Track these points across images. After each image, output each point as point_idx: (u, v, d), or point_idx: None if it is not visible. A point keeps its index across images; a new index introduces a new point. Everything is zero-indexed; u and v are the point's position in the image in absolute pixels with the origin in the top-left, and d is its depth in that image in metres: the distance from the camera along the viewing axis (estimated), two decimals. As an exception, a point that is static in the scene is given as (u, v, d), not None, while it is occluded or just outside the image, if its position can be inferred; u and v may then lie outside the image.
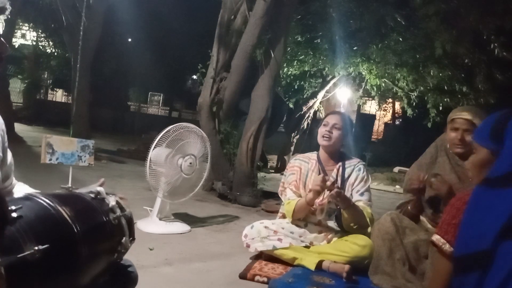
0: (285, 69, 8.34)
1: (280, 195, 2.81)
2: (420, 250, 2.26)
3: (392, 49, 7.28)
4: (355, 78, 9.43)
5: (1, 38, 1.06)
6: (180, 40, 12.84)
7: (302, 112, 9.48)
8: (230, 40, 5.07)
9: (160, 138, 3.00)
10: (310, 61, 8.22)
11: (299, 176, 2.69)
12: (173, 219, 3.22)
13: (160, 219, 3.13)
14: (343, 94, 10.49)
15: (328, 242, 2.60)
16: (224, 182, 4.84)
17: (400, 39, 7.11)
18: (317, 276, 2.32)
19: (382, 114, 17.15)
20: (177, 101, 19.82)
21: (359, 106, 14.02)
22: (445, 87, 7.47)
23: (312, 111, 9.56)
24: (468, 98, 7.27)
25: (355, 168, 2.66)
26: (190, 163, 3.08)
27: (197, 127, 3.23)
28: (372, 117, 17.07)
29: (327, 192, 2.46)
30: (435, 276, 1.35)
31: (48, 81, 17.27)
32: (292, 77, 8.89)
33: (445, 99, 7.59)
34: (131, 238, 1.15)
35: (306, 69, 8.52)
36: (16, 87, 15.69)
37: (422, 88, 7.84)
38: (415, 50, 7.19)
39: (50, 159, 3.18)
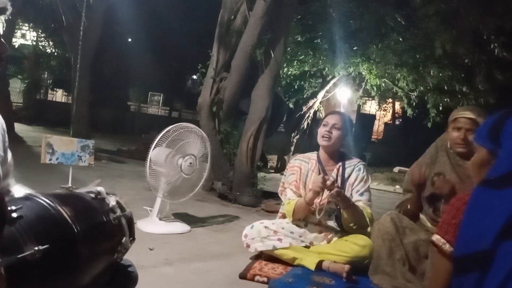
0: (285, 69, 8.34)
1: (280, 195, 2.81)
2: (420, 250, 2.25)
3: (392, 49, 7.29)
4: (355, 78, 9.43)
5: (1, 39, 1.06)
6: (180, 40, 12.84)
7: (302, 112, 9.48)
8: (230, 40, 5.07)
9: (160, 138, 2.99)
10: (310, 61, 8.22)
11: (299, 176, 2.69)
12: (173, 219, 3.22)
13: (160, 219, 3.13)
14: (343, 94, 10.49)
15: (328, 242, 2.60)
16: (224, 182, 4.84)
17: (400, 39, 7.12)
18: (317, 276, 2.32)
19: (382, 114, 17.15)
20: (177, 101, 19.82)
21: (359, 106, 14.04)
22: (445, 87, 7.47)
23: (312, 111, 9.56)
24: (468, 98, 7.27)
25: (355, 168, 2.66)
26: (190, 163, 3.08)
27: (197, 127, 3.23)
28: (372, 117, 17.07)
29: (327, 192, 2.46)
30: (435, 276, 1.35)
31: (48, 81, 17.27)
32: (292, 77, 8.89)
33: (445, 99, 7.59)
34: (131, 238, 1.16)
35: (306, 69, 8.52)
36: (16, 87, 15.69)
37: (422, 88, 7.84)
38: (415, 50, 7.20)
39: (50, 159, 3.18)
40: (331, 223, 2.62)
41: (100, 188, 1.13)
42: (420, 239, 2.26)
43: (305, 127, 9.53)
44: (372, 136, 17.24)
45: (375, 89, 8.69)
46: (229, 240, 3.12)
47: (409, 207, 2.40)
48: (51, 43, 14.58)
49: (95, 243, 1.00)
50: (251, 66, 5.14)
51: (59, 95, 19.67)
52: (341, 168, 2.66)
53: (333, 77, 8.97)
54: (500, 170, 1.08)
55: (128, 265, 1.24)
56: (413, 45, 7.14)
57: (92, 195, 1.11)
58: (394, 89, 8.77)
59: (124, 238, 1.12)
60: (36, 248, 0.80)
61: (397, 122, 17.26)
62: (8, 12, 1.06)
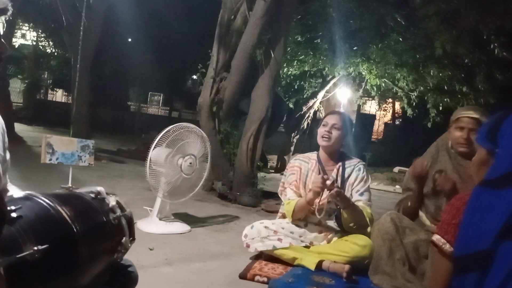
0: (285, 69, 8.34)
1: (280, 195, 2.81)
2: (420, 250, 2.25)
3: (392, 49, 7.28)
4: (355, 78, 9.43)
5: (1, 39, 1.06)
6: (180, 40, 12.84)
7: (302, 112, 9.47)
8: (230, 40, 5.07)
9: (160, 138, 2.99)
10: (310, 61, 8.22)
11: (299, 176, 2.69)
12: (173, 219, 3.22)
13: (160, 219, 3.13)
14: (343, 94, 10.49)
15: (328, 242, 2.60)
16: (224, 182, 4.84)
17: (400, 39, 7.11)
18: (317, 276, 2.32)
19: (382, 114, 17.15)
20: (177, 101, 19.82)
21: (359, 106, 14.03)
22: (445, 87, 7.46)
23: (312, 111, 9.56)
24: (468, 98, 7.27)
25: (355, 168, 2.66)
26: (190, 163, 3.08)
27: (197, 127, 3.23)
28: (372, 117, 17.06)
29: (327, 192, 2.46)
30: (435, 276, 1.35)
31: (48, 81, 17.27)
32: (292, 77, 8.89)
33: (445, 99, 7.59)
34: (131, 238, 1.16)
35: (306, 69, 8.52)
36: (16, 87, 15.69)
37: (422, 88, 7.84)
38: (415, 50, 7.19)
39: (50, 159, 3.18)
40: (331, 223, 2.62)
41: (100, 188, 1.13)
42: (420, 239, 2.26)
43: (305, 127, 9.52)
44: (372, 136, 17.23)
45: (375, 89, 8.68)
46: (229, 240, 3.12)
47: (409, 204, 2.40)
48: (51, 43, 14.59)
49: (95, 243, 1.00)
50: (251, 66, 5.14)
51: (59, 95, 19.67)
52: (341, 168, 2.66)
53: (333, 77, 8.97)
54: (500, 170, 1.08)
55: (128, 265, 1.24)
56: (413, 45, 7.14)
57: (92, 195, 1.11)
58: (394, 89, 8.77)
59: (124, 238, 1.12)
60: (36, 248, 0.80)
61: (397, 122, 17.25)
62: (9, 13, 1.06)
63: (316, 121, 9.44)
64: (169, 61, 14.05)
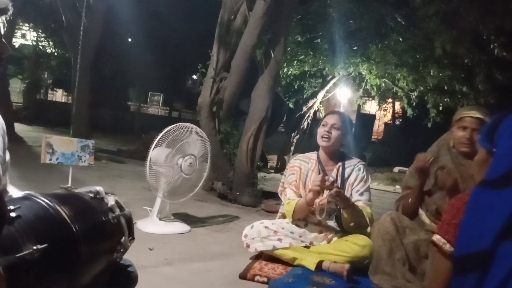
0: (285, 69, 8.34)
1: (280, 195, 2.81)
2: (420, 250, 2.25)
3: (392, 49, 7.29)
4: (355, 78, 9.43)
5: (2, 39, 1.06)
6: (180, 40, 12.84)
7: (302, 112, 9.48)
8: (230, 40, 5.07)
9: (160, 138, 2.99)
10: (310, 61, 8.22)
11: (299, 176, 2.69)
12: (173, 219, 3.22)
13: (160, 219, 3.13)
14: (343, 94, 10.49)
15: (328, 242, 2.60)
16: (224, 182, 4.84)
17: (400, 39, 7.12)
18: (317, 276, 2.32)
19: (382, 114, 17.15)
20: (177, 101, 19.83)
21: (359, 106, 14.03)
22: (445, 87, 7.47)
23: (312, 111, 9.56)
24: (468, 98, 7.27)
25: (355, 168, 2.66)
26: (190, 163, 3.08)
27: (197, 127, 3.23)
28: (372, 117, 17.06)
29: (327, 192, 2.46)
30: (435, 276, 1.35)
31: (48, 81, 17.29)
32: (292, 77, 8.89)
33: (445, 99, 7.59)
34: (130, 238, 1.15)
35: (306, 69, 8.52)
36: (16, 87, 15.72)
37: (422, 88, 7.84)
38: (415, 50, 7.20)
39: (50, 159, 3.18)
40: (331, 223, 2.62)
41: (98, 188, 1.13)
42: (420, 239, 2.25)
43: (305, 127, 9.53)
44: (372, 136, 17.23)
45: (375, 89, 8.69)
46: (229, 240, 3.12)
47: (409, 200, 2.39)
48: (51, 43, 14.59)
49: (94, 242, 1.00)
50: (251, 66, 5.14)
51: (59, 95, 19.69)
52: (341, 168, 2.66)
53: (333, 77, 8.97)
54: (498, 170, 1.08)
55: (128, 265, 1.24)
56: (413, 45, 7.14)
57: (91, 195, 1.11)
58: (394, 89, 8.78)
59: (124, 237, 1.11)
60: (35, 248, 0.80)
61: (397, 122, 17.25)
62: (9, 13, 1.06)
63: (316, 121, 9.44)
64: (169, 61, 14.05)
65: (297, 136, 9.55)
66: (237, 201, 4.64)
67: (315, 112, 10.01)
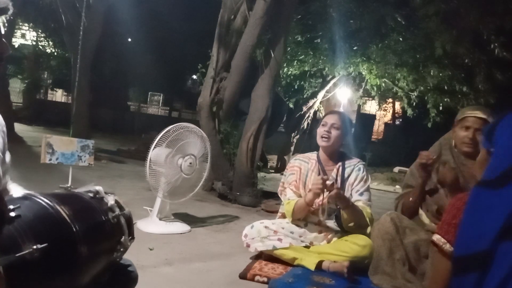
0: (285, 69, 8.34)
1: (280, 195, 2.81)
2: (420, 250, 2.25)
3: (392, 49, 7.29)
4: (355, 78, 9.43)
5: (3, 39, 1.06)
6: (180, 40, 12.84)
7: (302, 112, 9.48)
8: (230, 40, 5.07)
9: (160, 138, 2.99)
10: (310, 61, 8.22)
11: (299, 176, 2.69)
12: (173, 219, 3.22)
13: (160, 219, 3.13)
14: (343, 94, 10.49)
15: (328, 242, 2.60)
16: (224, 182, 4.84)
17: (400, 39, 7.11)
18: (317, 276, 2.32)
19: (382, 114, 17.16)
20: (177, 101, 19.83)
21: (359, 106, 14.02)
22: (445, 87, 7.47)
23: (312, 111, 9.56)
24: (468, 98, 7.27)
25: (355, 168, 2.66)
26: (190, 163, 3.08)
27: (197, 127, 3.23)
28: (372, 117, 17.07)
29: (326, 192, 2.45)
30: (435, 276, 1.35)
31: (48, 81, 17.28)
32: (292, 77, 8.89)
33: (445, 99, 7.59)
34: (130, 237, 1.15)
35: (306, 69, 8.52)
36: (16, 87, 15.71)
37: (422, 88, 7.84)
38: (415, 50, 7.20)
39: (50, 159, 3.18)
40: (331, 223, 2.62)
41: (98, 188, 1.13)
42: (420, 239, 2.25)
43: (305, 127, 9.53)
44: (372, 136, 17.24)
45: (375, 89, 8.69)
46: (229, 240, 3.12)
47: (411, 199, 2.39)
48: (51, 43, 14.59)
49: (94, 242, 0.99)
50: (251, 66, 5.14)
51: (59, 95, 19.68)
52: (341, 168, 2.66)
53: (333, 77, 8.97)
54: (497, 170, 1.08)
55: (128, 265, 1.23)
56: (413, 45, 7.14)
57: (91, 195, 1.11)
58: (394, 89, 8.78)
59: (123, 237, 1.11)
60: (35, 247, 0.80)
61: (397, 122, 17.26)
62: (9, 12, 1.05)
63: (316, 121, 9.44)
64: (169, 61, 14.06)
65: (297, 136, 9.55)
66: (237, 201, 4.64)
67: (315, 112, 10.01)
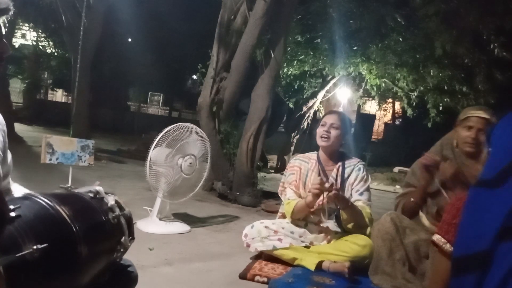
0: (285, 69, 8.34)
1: (280, 195, 2.81)
2: (420, 250, 2.25)
3: (392, 49, 7.29)
4: (355, 78, 9.43)
5: (3, 39, 1.06)
6: (180, 40, 12.84)
7: (302, 112, 9.48)
8: (230, 40, 5.07)
9: (160, 138, 2.99)
10: (310, 61, 8.23)
11: (299, 176, 2.69)
12: (173, 219, 3.22)
13: (160, 219, 3.13)
14: (343, 94, 10.49)
15: (328, 242, 2.60)
16: (224, 182, 4.84)
17: (400, 39, 7.12)
18: (317, 276, 2.32)
19: (382, 114, 17.16)
20: (177, 101, 19.84)
21: (359, 106, 14.03)
22: (445, 87, 7.47)
23: (312, 111, 9.56)
24: (468, 98, 7.27)
25: (354, 167, 2.66)
26: (190, 163, 3.08)
27: (197, 127, 3.23)
28: (372, 117, 17.07)
29: (326, 193, 2.45)
30: (435, 275, 1.35)
31: (48, 81, 17.29)
32: (292, 77, 8.89)
33: (445, 99, 7.59)
34: (130, 238, 1.15)
35: (306, 69, 8.52)
36: (16, 87, 15.72)
37: (422, 88, 7.84)
38: (415, 50, 7.20)
39: (50, 159, 3.18)
40: (331, 223, 2.62)
41: (98, 188, 1.13)
42: (420, 239, 2.25)
43: (305, 127, 9.53)
44: (372, 136, 17.23)
45: (375, 89, 8.69)
46: (229, 240, 3.12)
47: (412, 199, 2.39)
48: (51, 43, 14.60)
49: (94, 242, 0.99)
50: (251, 66, 5.14)
51: (59, 95, 19.69)
52: (340, 168, 2.66)
53: (333, 77, 8.97)
54: (493, 169, 1.08)
55: (128, 265, 1.23)
56: (413, 45, 7.14)
57: (91, 195, 1.11)
58: (394, 89, 8.78)
59: (124, 237, 1.11)
60: (35, 247, 0.80)
61: (397, 122, 17.25)
62: (10, 13, 1.05)
63: (316, 121, 9.42)
64: (169, 61, 14.06)
65: (297, 136, 9.55)
66: (237, 201, 4.64)
67: (315, 112, 10.01)
